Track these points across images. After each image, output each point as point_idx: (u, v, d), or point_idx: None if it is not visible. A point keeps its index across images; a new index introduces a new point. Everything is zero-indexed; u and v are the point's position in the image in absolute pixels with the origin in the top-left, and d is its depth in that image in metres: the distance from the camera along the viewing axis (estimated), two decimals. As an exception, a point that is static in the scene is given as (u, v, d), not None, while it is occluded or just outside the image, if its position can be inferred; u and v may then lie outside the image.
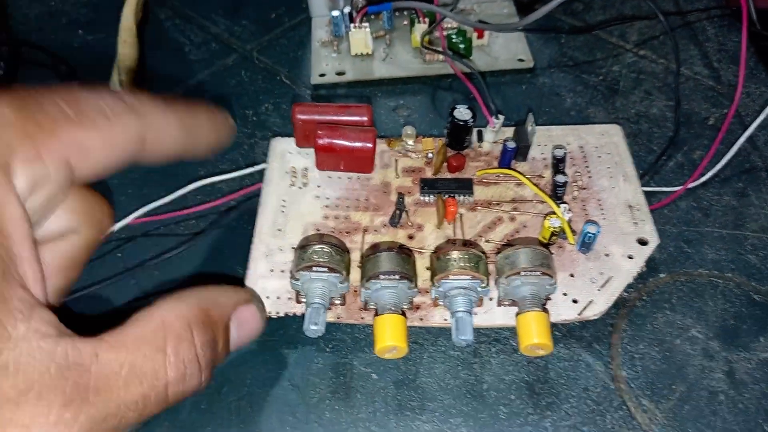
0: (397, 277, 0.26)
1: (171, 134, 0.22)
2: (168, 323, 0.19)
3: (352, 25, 0.39)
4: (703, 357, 0.28)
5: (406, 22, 0.41)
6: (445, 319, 0.27)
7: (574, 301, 0.27)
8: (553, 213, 0.28)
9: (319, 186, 0.32)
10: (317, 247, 0.26)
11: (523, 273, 0.25)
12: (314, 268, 0.26)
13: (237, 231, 0.32)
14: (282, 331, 0.28)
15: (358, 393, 0.27)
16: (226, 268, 0.31)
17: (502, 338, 0.28)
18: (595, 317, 0.27)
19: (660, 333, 0.28)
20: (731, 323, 0.29)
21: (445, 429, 0.26)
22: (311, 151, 0.32)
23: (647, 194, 0.31)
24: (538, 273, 0.25)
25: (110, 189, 0.34)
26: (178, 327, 0.20)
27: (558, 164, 0.31)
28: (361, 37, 0.39)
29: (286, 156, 0.33)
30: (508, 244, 0.28)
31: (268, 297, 0.28)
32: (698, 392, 0.27)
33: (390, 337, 0.25)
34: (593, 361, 0.28)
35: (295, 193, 0.31)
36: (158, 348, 0.19)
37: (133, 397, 0.18)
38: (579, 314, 0.27)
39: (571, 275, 0.28)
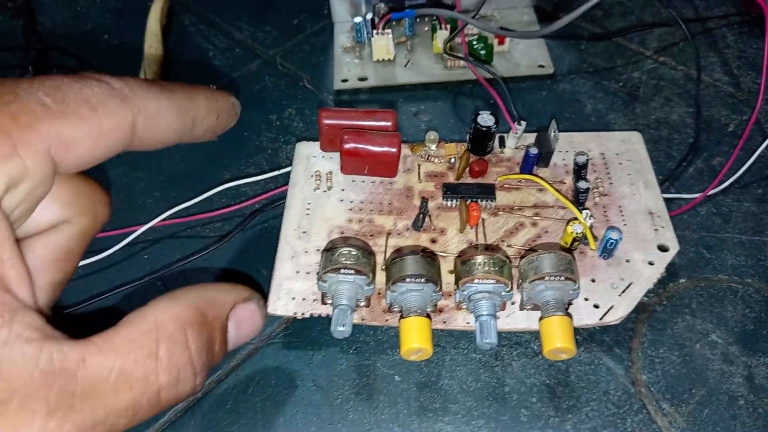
0: (423, 280, 0.26)
1: (165, 119, 0.21)
2: (161, 325, 0.18)
3: (374, 31, 0.39)
4: (722, 362, 0.28)
5: (427, 29, 0.42)
6: (468, 323, 0.28)
7: (596, 306, 0.28)
8: (576, 219, 0.29)
9: (343, 190, 0.32)
10: (344, 250, 0.27)
11: (546, 278, 0.26)
12: (342, 271, 0.26)
13: (262, 233, 0.33)
14: (307, 333, 0.29)
15: (381, 394, 0.27)
16: (251, 270, 0.31)
17: (524, 342, 0.28)
18: (616, 322, 0.28)
19: (680, 338, 0.29)
20: (750, 328, 0.29)
21: (467, 431, 0.26)
22: (335, 155, 0.32)
23: (668, 201, 0.32)
24: (562, 278, 0.26)
25: (131, 187, 0.35)
26: (172, 329, 0.19)
27: (580, 171, 0.31)
28: (383, 44, 0.39)
29: (311, 160, 0.33)
30: (531, 249, 0.29)
31: (293, 298, 0.28)
32: (718, 396, 0.27)
33: (416, 339, 0.25)
34: (614, 365, 0.28)
35: (320, 197, 0.32)
36: (150, 352, 0.18)
37: (122, 403, 0.17)
38: (600, 319, 0.27)
39: (593, 280, 0.28)
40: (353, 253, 0.27)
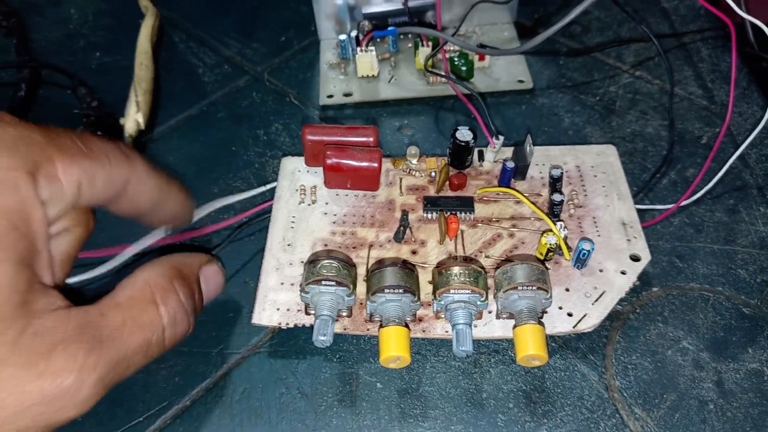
0: (401, 291, 0.27)
1: (147, 190, 0.25)
2: (152, 281, 0.24)
3: (358, 48, 0.40)
4: (693, 367, 0.29)
5: (410, 45, 0.43)
6: (447, 331, 0.28)
7: (569, 315, 0.29)
8: (550, 230, 0.30)
9: (327, 203, 0.33)
10: (326, 262, 0.28)
11: (520, 288, 0.27)
12: (323, 282, 0.27)
13: (248, 246, 0.34)
14: (292, 342, 0.30)
15: (364, 401, 0.28)
16: (238, 281, 0.32)
17: (501, 349, 0.29)
18: (589, 330, 0.29)
19: (652, 344, 0.30)
20: (721, 335, 0.30)
21: (446, 436, 0.27)
22: (320, 169, 0.33)
23: (641, 212, 0.33)
24: (534, 288, 0.27)
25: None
26: (162, 282, 0.24)
27: (555, 183, 0.32)
28: (367, 60, 0.41)
29: (296, 174, 0.35)
30: (507, 260, 0.30)
31: (278, 309, 0.29)
32: (688, 401, 0.28)
33: (394, 348, 0.26)
34: (588, 371, 0.29)
35: (304, 210, 0.33)
36: (150, 300, 0.23)
37: (137, 342, 0.22)
38: (574, 327, 0.28)
39: (567, 289, 0.30)
40: (334, 265, 0.28)
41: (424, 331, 0.29)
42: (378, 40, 0.42)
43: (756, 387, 0.28)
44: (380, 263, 0.29)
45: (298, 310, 0.29)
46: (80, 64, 0.45)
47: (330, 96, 0.41)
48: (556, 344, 0.30)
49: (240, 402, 0.28)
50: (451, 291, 0.27)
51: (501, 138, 0.34)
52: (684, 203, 0.34)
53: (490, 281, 0.29)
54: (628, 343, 0.30)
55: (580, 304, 0.29)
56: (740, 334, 0.30)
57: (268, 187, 0.35)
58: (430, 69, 0.39)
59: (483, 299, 0.27)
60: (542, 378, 0.29)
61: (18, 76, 0.41)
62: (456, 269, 0.27)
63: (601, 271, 0.30)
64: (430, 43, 0.40)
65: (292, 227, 0.32)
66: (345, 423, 0.27)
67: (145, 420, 0.28)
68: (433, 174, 0.34)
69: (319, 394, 0.28)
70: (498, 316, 0.29)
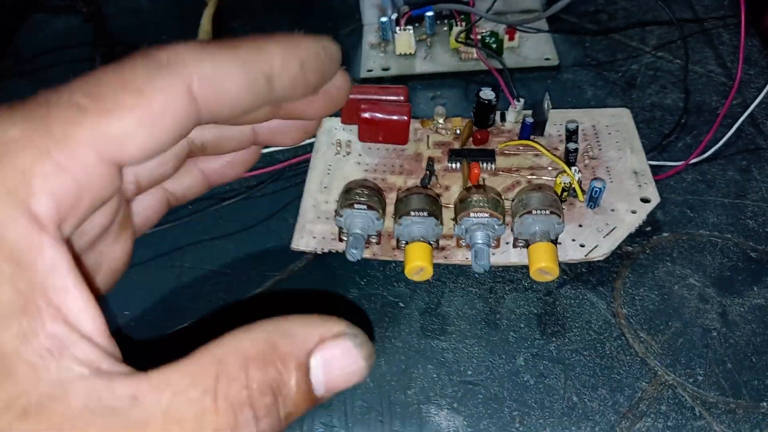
0: (425, 214, 0.30)
1: (229, 78, 0.18)
2: (223, 359, 0.16)
3: (397, 27, 0.44)
4: (698, 300, 0.31)
5: (446, 28, 0.47)
6: (466, 257, 0.31)
7: (582, 246, 0.31)
8: (564, 172, 0.32)
9: (360, 155, 0.37)
10: (358, 189, 0.31)
11: (534, 212, 0.29)
12: (355, 206, 0.30)
13: (289, 192, 0.37)
14: (325, 268, 0.33)
15: (386, 317, 0.31)
16: (279, 218, 0.36)
17: (516, 279, 0.32)
18: (600, 258, 0.31)
19: (660, 280, 0.32)
20: (727, 275, 0.32)
21: (461, 347, 0.29)
22: (354, 127, 0.37)
23: (655, 167, 0.35)
24: (547, 212, 0.29)
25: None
26: (233, 364, 0.16)
27: (571, 136, 0.35)
28: (405, 39, 0.44)
29: (332, 131, 0.38)
30: (522, 189, 0.32)
31: (314, 237, 0.33)
32: (692, 329, 0.30)
33: (418, 257, 0.29)
34: (597, 300, 0.31)
35: (340, 160, 0.36)
36: (206, 389, 0.15)
37: None
38: (585, 255, 0.31)
39: (580, 225, 0.32)
40: (365, 192, 0.31)
41: (445, 258, 0.31)
42: (417, 24, 0.46)
43: (759, 319, 0.30)
44: (407, 191, 0.32)
45: (333, 239, 0.32)
46: (150, 45, 0.50)
47: (369, 70, 0.44)
48: (568, 276, 0.32)
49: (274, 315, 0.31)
50: (471, 214, 0.30)
51: (522, 100, 0.37)
52: (696, 161, 0.36)
53: (508, 210, 0.31)
54: (636, 278, 0.32)
55: (592, 237, 0.31)
56: (746, 274, 0.31)
57: (308, 141, 0.39)
58: (459, 40, 0.43)
59: (500, 223, 0.30)
60: (553, 304, 0.31)
61: (94, 53, 0.47)
62: (476, 196, 0.30)
63: (612, 210, 0.32)
64: (464, 24, 0.44)
65: (329, 173, 0.36)
66: (369, 334, 0.30)
67: (189, 326, 0.31)
68: (458, 132, 0.37)
69: (348, 310, 0.31)
70: (515, 245, 0.31)
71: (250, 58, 0.19)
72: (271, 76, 0.19)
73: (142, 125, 0.16)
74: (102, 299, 0.20)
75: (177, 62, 0.17)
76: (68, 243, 0.16)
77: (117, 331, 0.31)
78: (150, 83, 0.16)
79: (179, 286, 0.33)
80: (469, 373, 0.29)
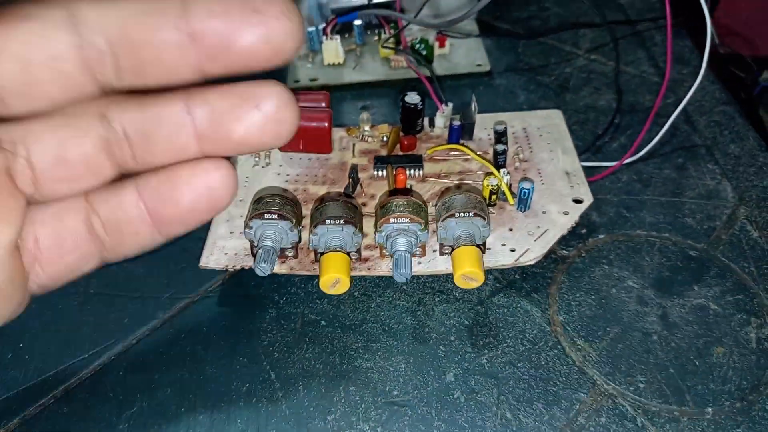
0: (341, 221, 0.28)
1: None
2: None
3: (324, 37, 0.42)
4: (637, 303, 0.29)
5: (376, 38, 0.45)
6: (390, 268, 0.29)
7: (512, 250, 0.29)
8: (491, 174, 0.31)
9: (281, 165, 0.34)
10: (269, 198, 0.29)
11: (457, 214, 0.27)
12: (265, 216, 0.28)
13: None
14: (240, 289, 0.30)
15: (306, 337, 0.28)
16: (193, 237, 0.33)
17: (446, 289, 0.30)
18: (531, 263, 0.29)
19: (597, 284, 0.30)
20: (667, 275, 0.30)
21: (386, 365, 0.27)
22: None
23: (590, 168, 0.34)
24: (471, 214, 0.27)
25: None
26: None
27: (499, 138, 0.33)
28: (333, 48, 0.42)
29: (254, 143, 0.36)
30: (447, 190, 0.30)
31: (226, 253, 0.30)
32: (632, 333, 0.28)
33: (333, 268, 0.27)
34: (531, 307, 0.29)
35: (258, 171, 0.34)
36: None
37: None
38: (516, 260, 0.29)
39: (510, 229, 0.30)
40: (277, 200, 0.29)
41: (369, 269, 0.29)
42: (347, 34, 0.44)
43: (701, 320, 0.28)
44: (321, 199, 0.30)
45: (246, 255, 0.30)
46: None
47: (297, 81, 0.42)
48: (500, 284, 0.30)
49: (185, 340, 0.28)
50: (391, 220, 0.28)
51: (450, 104, 0.35)
52: (631, 160, 0.35)
53: (431, 216, 0.29)
54: (572, 283, 0.30)
55: (523, 241, 0.30)
56: (686, 274, 0.30)
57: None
58: (387, 46, 0.41)
59: (423, 228, 0.28)
60: (485, 314, 0.29)
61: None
62: (396, 200, 0.28)
63: (544, 212, 0.31)
64: (392, 32, 0.42)
65: (245, 186, 0.33)
66: (287, 356, 0.28)
67: (90, 356, 0.28)
68: (384, 139, 0.35)
69: (264, 332, 0.29)
70: (441, 252, 0.29)
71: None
72: None
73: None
74: None
75: None
76: None
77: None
78: None
79: (82, 314, 0.30)
80: (395, 393, 0.26)
